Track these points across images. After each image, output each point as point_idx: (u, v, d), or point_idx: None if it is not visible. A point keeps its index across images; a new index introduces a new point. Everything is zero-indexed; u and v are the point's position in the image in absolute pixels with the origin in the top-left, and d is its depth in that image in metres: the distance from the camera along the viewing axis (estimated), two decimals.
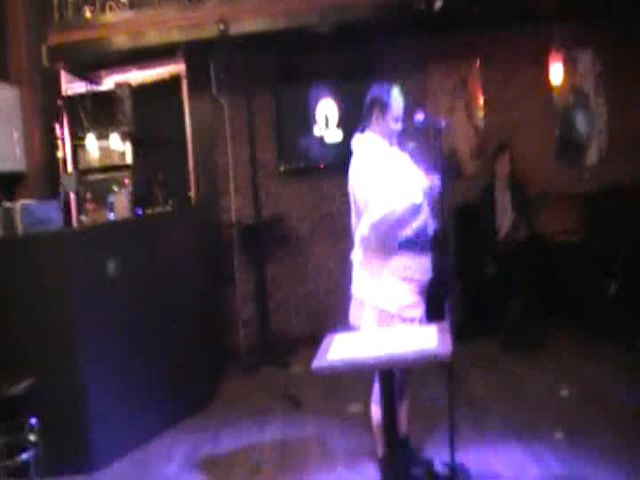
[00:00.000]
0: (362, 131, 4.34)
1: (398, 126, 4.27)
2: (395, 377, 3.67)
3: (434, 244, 4.27)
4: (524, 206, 7.48)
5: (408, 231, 4.11)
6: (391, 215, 4.00)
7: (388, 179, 4.09)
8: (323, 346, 3.63)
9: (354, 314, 4.30)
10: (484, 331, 7.31)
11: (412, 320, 4.13)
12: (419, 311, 4.20)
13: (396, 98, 4.27)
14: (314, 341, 3.86)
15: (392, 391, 3.63)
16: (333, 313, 4.54)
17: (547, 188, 8.03)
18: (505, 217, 7.47)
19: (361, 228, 4.16)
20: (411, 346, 3.47)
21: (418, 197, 4.09)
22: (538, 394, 5.90)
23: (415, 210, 4.10)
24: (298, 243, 8.27)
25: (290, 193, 8.28)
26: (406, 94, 4.37)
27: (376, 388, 4.03)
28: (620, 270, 6.88)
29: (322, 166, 8.06)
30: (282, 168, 8.18)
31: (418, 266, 4.14)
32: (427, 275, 4.22)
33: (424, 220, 4.20)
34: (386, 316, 4.12)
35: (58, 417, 5.02)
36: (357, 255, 4.29)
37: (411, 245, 4.11)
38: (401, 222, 4.07)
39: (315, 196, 8.24)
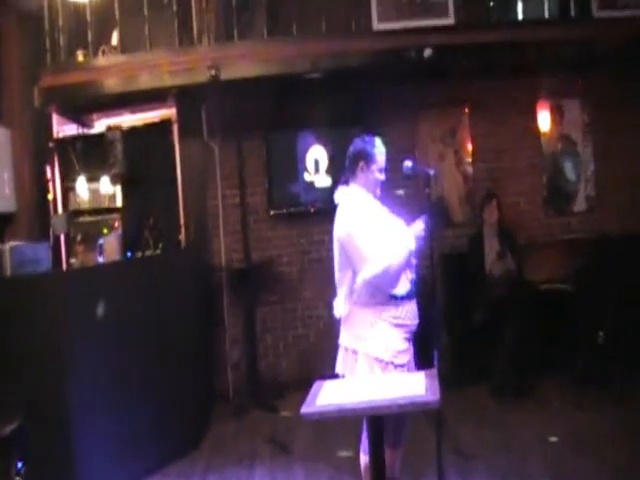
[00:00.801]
0: (346, 183, 4.32)
1: (382, 177, 4.28)
2: (387, 424, 3.66)
3: (422, 291, 4.28)
4: (513, 253, 7.49)
5: (403, 282, 4.12)
6: (389, 269, 4.01)
7: (379, 232, 4.10)
8: (312, 391, 3.62)
9: (343, 365, 4.23)
10: (473, 378, 7.28)
11: (402, 366, 4.11)
12: (408, 357, 4.19)
13: (379, 149, 4.27)
14: (303, 385, 3.85)
15: (380, 438, 3.61)
16: (322, 357, 4.52)
17: (535, 236, 8.12)
18: (494, 264, 7.48)
19: (356, 282, 4.12)
20: (399, 392, 3.46)
21: (412, 243, 4.10)
22: (526, 442, 5.87)
23: (408, 260, 4.12)
24: (288, 287, 8.27)
25: (280, 237, 8.30)
26: (394, 142, 4.41)
27: (365, 436, 4.01)
28: (609, 319, 6.90)
29: (312, 211, 8.10)
30: (272, 212, 8.21)
31: (407, 312, 4.13)
32: (415, 320, 4.21)
33: (413, 269, 4.21)
34: (379, 364, 4.08)
35: (44, 460, 4.95)
36: (341, 307, 4.25)
37: (404, 294, 4.12)
38: (396, 274, 4.08)
39: (305, 240, 8.26)
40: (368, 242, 4.06)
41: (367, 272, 4.03)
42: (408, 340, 4.18)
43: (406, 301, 4.13)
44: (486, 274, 7.47)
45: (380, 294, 4.09)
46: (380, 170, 4.26)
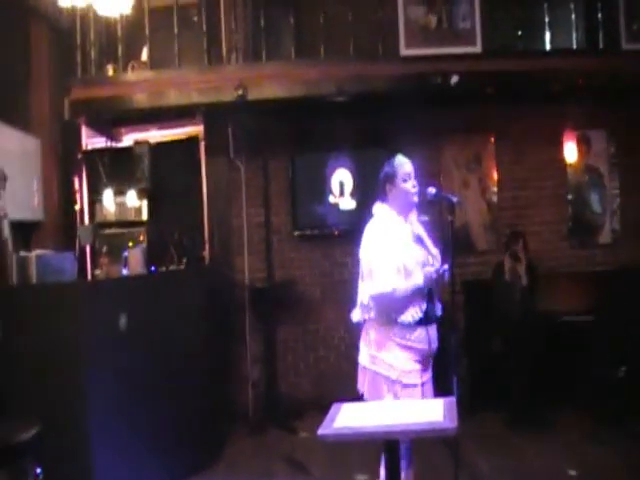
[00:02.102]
0: (382, 201, 4.39)
1: (412, 184, 4.30)
2: (402, 446, 3.68)
3: (441, 319, 4.32)
4: (536, 285, 7.42)
5: (415, 311, 4.17)
6: (390, 294, 4.10)
7: (394, 255, 4.16)
8: (330, 413, 3.63)
9: (360, 380, 4.35)
10: (491, 407, 7.28)
11: (414, 386, 4.16)
12: (420, 379, 4.23)
13: (400, 162, 4.33)
14: (323, 406, 3.86)
15: (397, 462, 3.63)
16: (343, 379, 4.57)
17: (559, 267, 8.09)
18: (516, 294, 7.44)
19: (362, 295, 4.25)
20: (418, 418, 3.48)
21: (420, 280, 4.14)
22: (541, 474, 5.85)
23: (420, 291, 4.16)
24: (310, 308, 8.29)
25: (303, 258, 8.34)
26: (419, 167, 4.43)
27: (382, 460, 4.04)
28: (630, 354, 6.87)
29: (336, 233, 8.14)
30: (296, 233, 8.25)
31: (419, 335, 4.18)
32: (430, 345, 4.24)
33: (431, 299, 4.25)
34: (387, 382, 4.17)
35: (61, 467, 4.97)
36: (356, 315, 4.36)
37: (411, 322, 4.17)
38: (404, 300, 4.14)
39: (328, 262, 8.30)
40: (379, 265, 4.14)
41: (373, 288, 4.14)
42: (420, 362, 4.22)
43: (416, 327, 4.18)
44: (508, 303, 7.44)
45: (386, 316, 4.18)
46: (405, 180, 4.29)
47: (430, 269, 4.19)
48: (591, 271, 8.04)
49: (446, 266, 4.22)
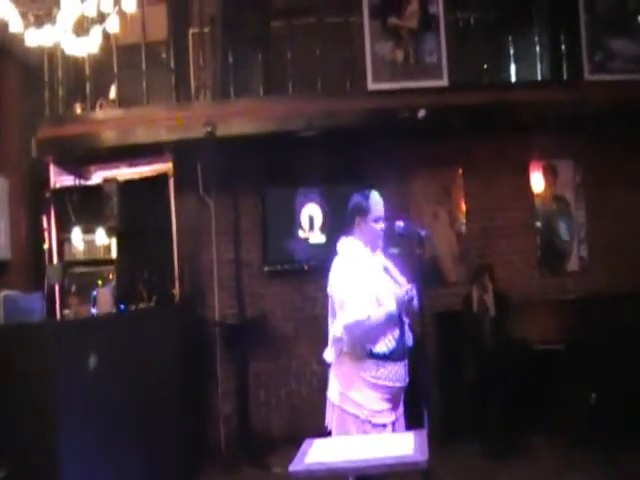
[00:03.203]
0: (347, 235, 4.41)
1: (381, 226, 4.34)
2: None
3: (412, 351, 4.31)
4: (505, 315, 7.45)
5: (388, 340, 4.16)
6: (366, 321, 4.07)
7: (365, 284, 4.16)
8: (302, 449, 3.64)
9: (328, 417, 4.31)
10: (464, 437, 7.28)
11: (384, 426, 4.13)
12: (390, 418, 4.19)
13: (375, 201, 4.35)
14: (296, 441, 3.85)
15: None
16: (315, 414, 4.54)
17: (528, 296, 8.11)
18: (485, 325, 7.46)
19: (334, 328, 4.22)
20: (388, 452, 3.47)
21: (392, 306, 4.14)
22: None
23: (392, 319, 4.15)
24: (281, 343, 8.24)
25: (274, 293, 8.32)
26: (388, 200, 4.46)
27: None
28: (601, 380, 6.91)
29: (306, 268, 8.12)
30: (266, 268, 8.23)
31: (389, 373, 4.15)
32: (400, 382, 4.21)
33: (402, 329, 4.24)
34: (356, 421, 4.13)
35: None
36: (329, 355, 4.33)
37: (385, 352, 4.15)
38: (377, 329, 4.13)
39: (299, 297, 8.28)
40: (350, 295, 4.13)
41: (346, 318, 4.10)
42: (389, 401, 4.18)
43: (389, 362, 4.15)
44: (478, 334, 7.45)
45: (359, 347, 4.13)
46: (376, 220, 4.32)
47: (400, 292, 4.20)
48: (561, 299, 8.12)
49: (414, 290, 4.22)
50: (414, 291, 4.22)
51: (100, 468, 5.39)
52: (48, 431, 5.16)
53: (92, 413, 5.41)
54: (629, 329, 7.03)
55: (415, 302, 4.23)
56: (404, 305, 4.19)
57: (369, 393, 4.14)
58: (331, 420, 4.27)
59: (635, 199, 8.35)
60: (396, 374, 4.18)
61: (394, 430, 4.19)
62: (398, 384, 4.20)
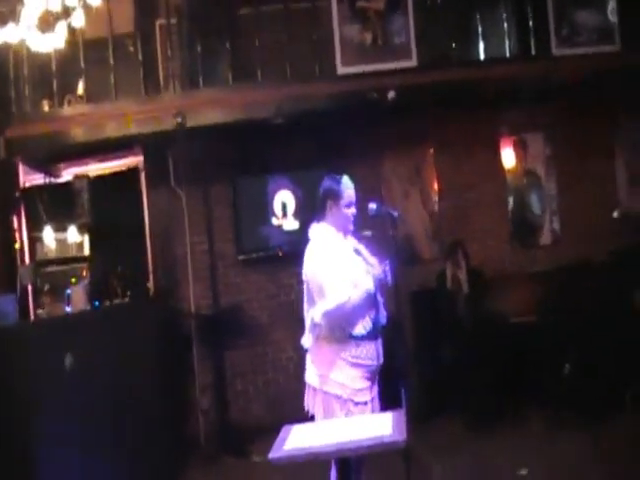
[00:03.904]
0: (318, 221, 4.43)
1: (352, 211, 4.36)
2: (352, 464, 3.67)
3: (388, 330, 4.33)
4: (479, 291, 7.52)
5: (365, 322, 4.18)
6: (346, 304, 4.09)
7: (341, 268, 4.18)
8: (280, 436, 3.64)
9: (308, 401, 4.34)
10: (444, 414, 7.34)
11: (365, 404, 4.19)
12: (370, 395, 4.26)
13: (347, 186, 4.38)
14: (275, 429, 3.86)
15: (350, 478, 3.63)
16: (293, 401, 4.56)
17: (502, 269, 8.19)
18: (459, 302, 7.53)
19: (314, 315, 4.23)
20: (366, 434, 3.48)
21: (370, 284, 4.16)
22: (495, 473, 5.93)
23: (370, 298, 4.17)
24: (257, 331, 8.24)
25: (249, 282, 8.31)
26: (360, 182, 4.47)
27: (333, 475, 4.03)
28: (573, 351, 6.95)
29: (280, 254, 8.11)
30: (240, 257, 8.22)
31: (368, 352, 4.20)
32: (377, 361, 4.26)
33: (377, 308, 4.26)
34: (338, 401, 4.17)
35: None
36: (307, 341, 4.35)
37: (364, 334, 4.16)
38: (356, 310, 4.14)
39: (273, 285, 8.28)
40: (329, 279, 4.15)
41: (324, 305, 4.13)
42: (368, 379, 4.24)
43: (366, 341, 4.20)
44: (453, 311, 7.50)
45: (338, 331, 4.16)
46: (348, 205, 4.36)
47: (375, 270, 4.23)
48: (534, 272, 8.16)
49: (388, 266, 4.26)
50: (388, 267, 4.26)
51: (80, 466, 5.37)
52: (24, 432, 5.13)
53: (70, 412, 5.39)
54: (602, 299, 7.10)
55: (389, 279, 4.28)
56: (380, 283, 4.23)
57: (350, 372, 4.18)
58: (312, 404, 4.30)
59: (605, 170, 8.47)
60: (373, 353, 4.23)
61: (372, 408, 4.25)
62: (375, 362, 4.26)
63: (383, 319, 4.34)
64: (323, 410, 4.22)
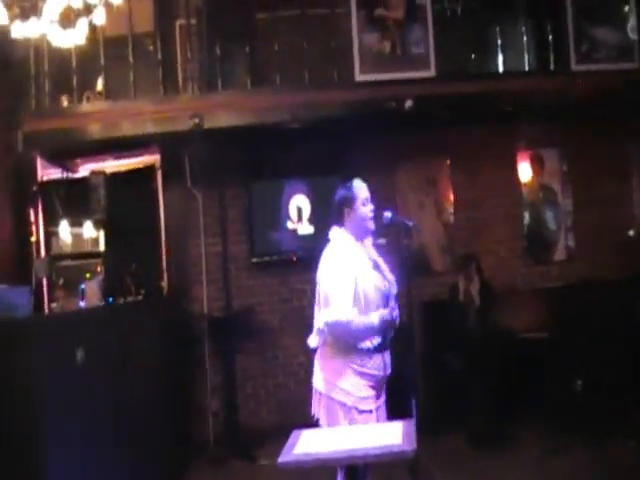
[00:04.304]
0: (339, 226, 4.38)
1: (369, 208, 4.31)
2: (360, 472, 3.68)
3: (398, 340, 4.32)
4: (490, 305, 7.48)
5: (374, 338, 4.16)
6: (346, 325, 4.06)
7: (351, 282, 4.13)
8: (290, 441, 3.64)
9: (314, 405, 4.32)
10: (451, 426, 7.27)
11: (369, 412, 4.15)
12: (375, 404, 4.22)
13: (359, 187, 4.35)
14: (284, 434, 3.85)
15: None
16: (303, 406, 4.55)
17: (515, 285, 8.19)
18: (470, 315, 7.50)
19: (318, 320, 4.22)
20: (376, 442, 3.48)
21: (375, 319, 4.14)
22: None
23: (371, 331, 4.14)
24: (268, 335, 8.26)
25: (261, 285, 8.33)
26: (375, 191, 4.45)
27: None
28: (585, 368, 6.94)
29: (294, 259, 8.13)
30: (254, 260, 8.24)
31: (374, 363, 4.18)
32: (385, 371, 4.24)
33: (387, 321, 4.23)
34: (343, 408, 4.14)
35: None
36: (313, 341, 4.32)
37: (370, 348, 4.16)
38: (356, 335, 4.12)
39: (286, 289, 8.30)
40: (335, 291, 4.12)
41: (326, 316, 4.11)
42: (373, 388, 4.21)
43: (373, 353, 4.17)
44: (463, 324, 7.48)
45: (342, 342, 4.15)
46: (364, 204, 4.31)
47: (384, 312, 4.18)
48: (547, 287, 8.15)
49: (396, 312, 4.24)
50: (396, 312, 4.24)
51: (87, 462, 5.38)
52: (34, 427, 5.15)
53: (78, 407, 5.39)
54: (615, 317, 7.08)
55: (397, 321, 4.25)
56: (385, 323, 4.18)
57: (356, 381, 4.15)
58: (318, 409, 4.28)
59: (621, 188, 8.46)
60: (380, 364, 4.21)
61: (377, 418, 4.22)
62: (382, 373, 4.23)
63: (392, 332, 4.29)
64: (327, 416, 4.19)
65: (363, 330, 4.11)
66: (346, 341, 4.14)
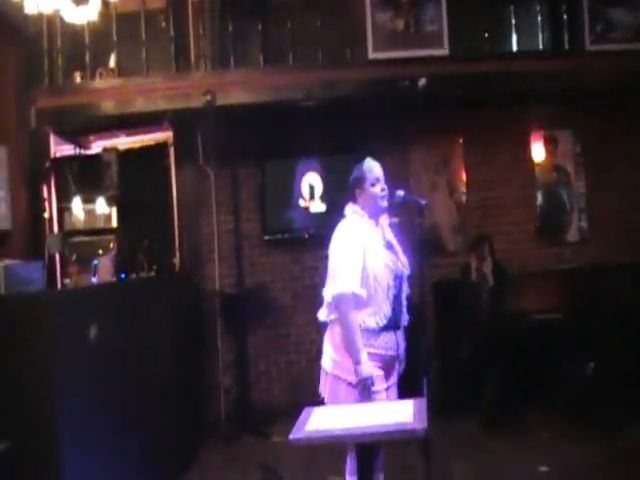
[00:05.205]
0: (353, 203, 4.38)
1: (380, 187, 4.29)
2: (372, 449, 3.69)
3: (410, 320, 4.32)
4: (503, 286, 7.44)
5: (378, 318, 4.13)
6: (351, 296, 4.04)
7: (360, 258, 4.13)
8: (301, 418, 3.66)
9: (321, 384, 4.32)
10: (462, 408, 7.24)
11: (376, 393, 4.09)
12: (382, 385, 4.18)
13: (369, 166, 4.33)
14: (296, 411, 3.85)
15: (368, 463, 3.65)
16: (314, 383, 4.56)
17: (528, 266, 8.14)
18: (483, 295, 7.47)
19: (327, 293, 4.22)
20: (387, 420, 3.49)
21: (390, 279, 4.15)
22: (513, 472, 5.88)
23: (387, 294, 4.15)
24: (281, 313, 8.29)
25: (273, 263, 8.35)
26: (387, 170, 4.44)
27: (349, 461, 4.02)
28: (598, 350, 6.94)
29: (306, 237, 8.15)
30: (266, 237, 8.25)
31: (381, 342, 4.15)
32: (393, 351, 4.20)
33: (395, 303, 4.23)
34: (348, 387, 4.11)
35: None
36: (322, 314, 4.32)
37: (375, 328, 4.14)
38: (366, 305, 4.11)
39: (298, 267, 8.31)
40: (343, 264, 4.12)
41: (332, 288, 4.12)
42: (382, 368, 4.17)
43: (381, 332, 4.15)
44: (476, 304, 7.46)
45: (350, 318, 4.09)
46: (373, 184, 4.29)
47: (404, 269, 4.23)
48: (560, 269, 8.13)
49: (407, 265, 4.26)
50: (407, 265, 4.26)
51: (99, 439, 5.40)
52: (49, 402, 5.17)
53: (91, 384, 5.41)
54: (627, 299, 7.07)
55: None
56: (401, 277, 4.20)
57: None
58: (324, 387, 4.27)
59: (635, 169, 8.37)
60: (388, 343, 4.18)
61: (387, 397, 4.20)
62: (390, 352, 4.19)
63: (404, 321, 4.30)
64: (332, 394, 4.19)
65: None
66: (352, 317, 4.09)
